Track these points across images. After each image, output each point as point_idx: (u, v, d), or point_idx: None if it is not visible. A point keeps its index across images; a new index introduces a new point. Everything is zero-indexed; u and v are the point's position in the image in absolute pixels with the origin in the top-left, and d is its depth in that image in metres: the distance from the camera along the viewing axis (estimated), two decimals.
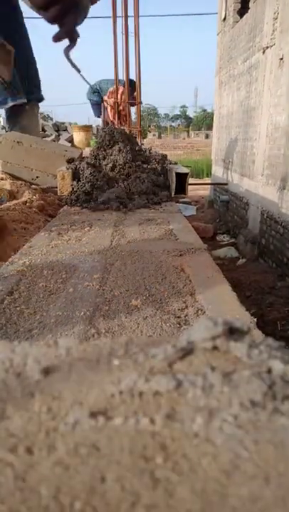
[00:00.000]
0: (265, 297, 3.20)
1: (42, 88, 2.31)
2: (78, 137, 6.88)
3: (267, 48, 4.24)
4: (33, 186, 1.96)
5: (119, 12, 4.72)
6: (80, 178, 1.57)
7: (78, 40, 1.04)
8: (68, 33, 1.00)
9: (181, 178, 1.64)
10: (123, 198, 1.51)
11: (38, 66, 2.41)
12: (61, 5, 0.95)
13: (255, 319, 0.61)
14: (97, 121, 7.43)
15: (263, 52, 4.36)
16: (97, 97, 6.86)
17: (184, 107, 60.69)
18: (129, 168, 1.59)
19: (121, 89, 5.49)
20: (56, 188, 1.64)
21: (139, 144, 4.25)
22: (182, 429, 0.24)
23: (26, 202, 1.87)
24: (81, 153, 2.05)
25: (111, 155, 1.98)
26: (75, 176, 1.58)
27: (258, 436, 0.24)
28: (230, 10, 6.11)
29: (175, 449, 0.23)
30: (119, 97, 5.54)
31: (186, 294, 0.75)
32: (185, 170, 1.69)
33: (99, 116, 7.06)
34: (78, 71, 1.21)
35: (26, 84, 2.18)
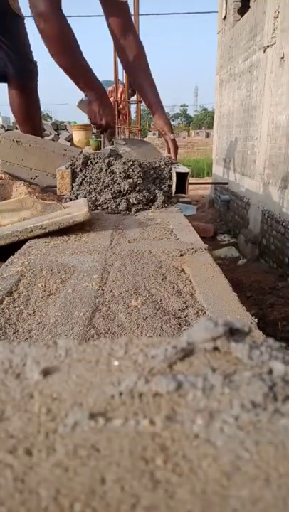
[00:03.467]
0: (266, 298, 3.20)
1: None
2: (78, 136, 6.87)
3: (268, 46, 4.23)
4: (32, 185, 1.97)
5: None
6: (78, 178, 1.57)
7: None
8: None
9: (182, 178, 1.64)
10: (122, 197, 1.50)
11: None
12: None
13: (256, 320, 0.61)
14: None
15: (264, 51, 4.36)
16: None
17: (184, 105, 60.72)
18: (128, 167, 1.59)
19: (121, 88, 5.49)
20: (55, 187, 1.64)
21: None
22: (182, 431, 0.24)
23: None
24: (80, 153, 2.05)
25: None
26: (75, 175, 1.58)
27: (259, 438, 0.24)
28: (231, 8, 6.10)
29: (175, 451, 0.23)
30: (119, 96, 5.53)
31: (186, 295, 0.75)
32: (185, 169, 1.68)
33: None
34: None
35: None
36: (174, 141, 1.98)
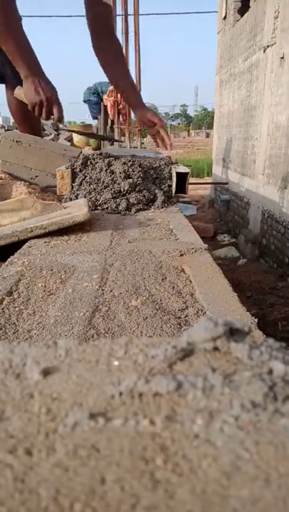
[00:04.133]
0: (266, 298, 3.20)
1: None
2: (78, 136, 6.87)
3: (268, 46, 4.23)
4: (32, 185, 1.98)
5: (119, 11, 4.71)
6: (78, 178, 1.57)
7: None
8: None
9: (182, 178, 1.64)
10: (122, 197, 1.50)
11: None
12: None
13: (256, 320, 0.61)
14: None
15: (264, 51, 4.36)
16: (96, 97, 6.93)
17: (184, 105, 60.78)
18: (128, 167, 1.59)
19: None
20: (55, 187, 1.64)
21: (140, 143, 4.23)
22: (182, 431, 0.24)
23: None
24: (80, 153, 2.05)
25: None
26: (74, 175, 1.58)
27: (259, 438, 0.24)
28: (231, 8, 6.10)
29: (175, 451, 0.23)
30: (119, 96, 5.53)
31: (186, 295, 0.75)
32: (185, 169, 1.68)
33: (96, 118, 7.12)
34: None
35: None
36: (163, 128, 1.92)
